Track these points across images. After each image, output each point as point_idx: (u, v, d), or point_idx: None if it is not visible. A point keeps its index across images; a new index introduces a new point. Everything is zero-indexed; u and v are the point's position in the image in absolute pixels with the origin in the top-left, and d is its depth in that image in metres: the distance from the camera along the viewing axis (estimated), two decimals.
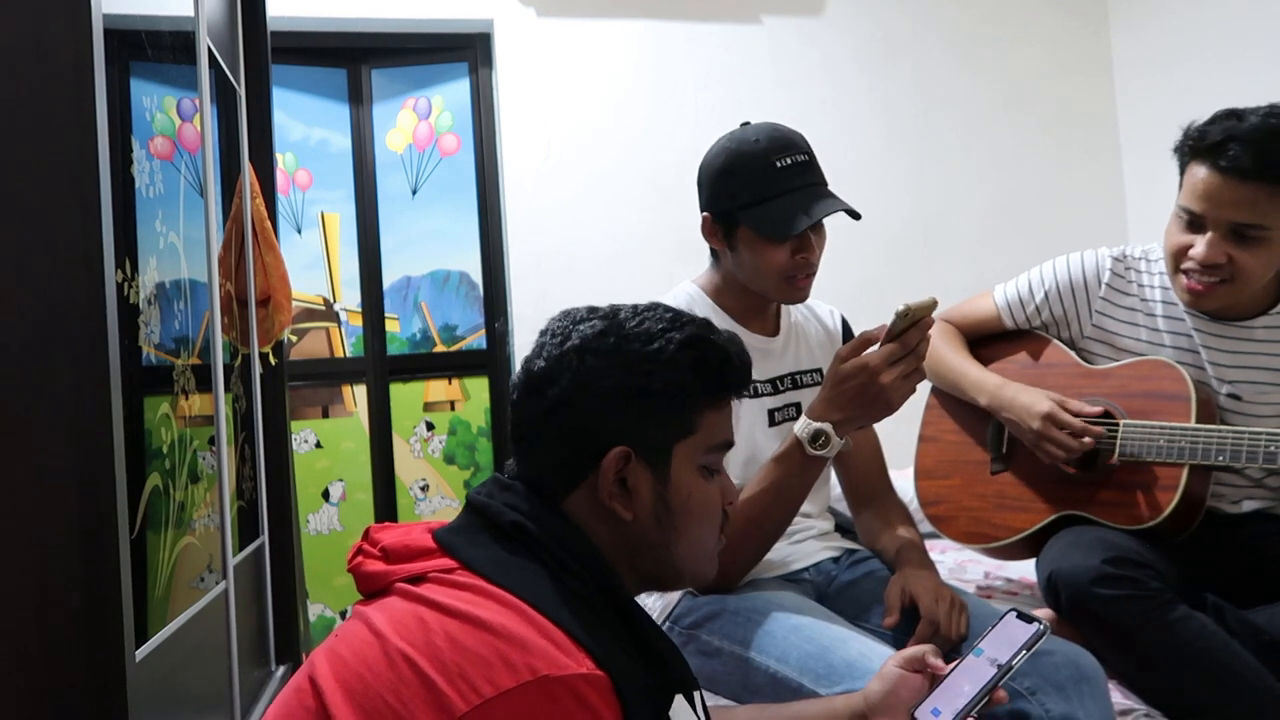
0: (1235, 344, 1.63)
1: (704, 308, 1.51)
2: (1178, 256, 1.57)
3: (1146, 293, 1.69)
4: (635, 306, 0.93)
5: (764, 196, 1.41)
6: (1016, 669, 0.98)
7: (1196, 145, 1.51)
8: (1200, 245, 1.52)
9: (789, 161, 1.41)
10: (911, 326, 1.25)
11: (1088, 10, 3.41)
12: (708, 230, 1.50)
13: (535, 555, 0.83)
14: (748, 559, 1.38)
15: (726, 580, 1.39)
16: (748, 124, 1.49)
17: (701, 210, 1.51)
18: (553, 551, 0.83)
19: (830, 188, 1.46)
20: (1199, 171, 1.50)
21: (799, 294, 1.48)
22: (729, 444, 0.94)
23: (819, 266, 1.48)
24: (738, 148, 1.45)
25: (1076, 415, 1.63)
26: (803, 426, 1.29)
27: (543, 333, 0.93)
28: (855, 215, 1.45)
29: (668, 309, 0.92)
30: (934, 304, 1.26)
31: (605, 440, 0.87)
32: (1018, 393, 1.68)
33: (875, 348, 1.27)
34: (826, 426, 1.27)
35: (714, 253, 1.54)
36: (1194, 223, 1.53)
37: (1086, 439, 1.62)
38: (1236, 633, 1.45)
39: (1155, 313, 1.68)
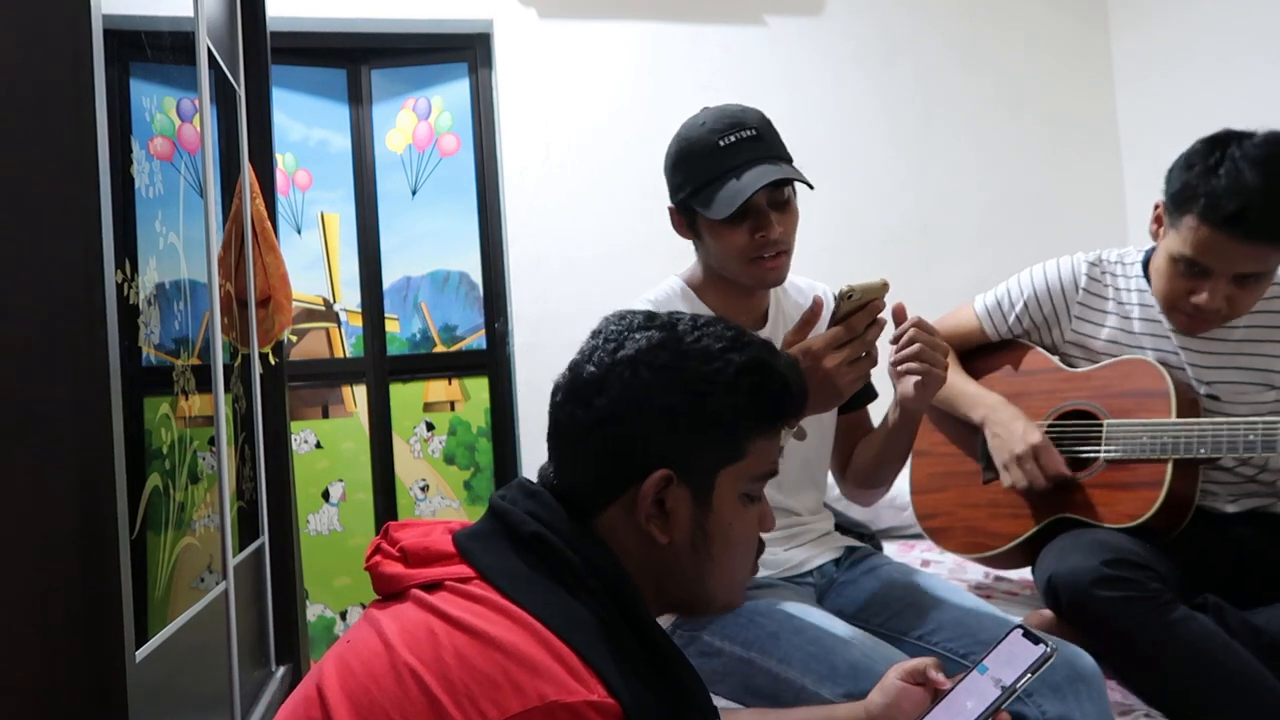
0: (1214, 344, 1.64)
1: (689, 302, 1.49)
2: (1174, 299, 1.58)
3: (1124, 296, 1.70)
4: (695, 319, 0.88)
5: (710, 179, 1.37)
6: (1021, 692, 0.95)
7: (1210, 213, 1.46)
8: (1204, 294, 1.53)
9: (734, 139, 1.37)
10: (859, 310, 1.20)
11: (1088, 11, 3.41)
12: (675, 222, 1.50)
13: (553, 570, 0.80)
14: None
15: None
16: (707, 108, 1.45)
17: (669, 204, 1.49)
18: (573, 567, 0.80)
19: (796, 164, 1.40)
20: (1206, 230, 1.48)
21: (769, 275, 1.41)
22: (774, 472, 0.90)
23: (792, 245, 1.41)
24: (686, 134, 1.43)
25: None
26: None
27: (594, 334, 0.89)
28: (807, 184, 1.39)
29: (729, 326, 0.88)
30: (885, 286, 1.20)
31: (649, 459, 0.83)
32: (1014, 418, 1.69)
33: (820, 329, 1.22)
34: None
35: (695, 244, 1.52)
36: (1197, 272, 1.53)
37: (1050, 476, 1.63)
38: (1236, 633, 1.45)
39: (1132, 315, 1.69)
